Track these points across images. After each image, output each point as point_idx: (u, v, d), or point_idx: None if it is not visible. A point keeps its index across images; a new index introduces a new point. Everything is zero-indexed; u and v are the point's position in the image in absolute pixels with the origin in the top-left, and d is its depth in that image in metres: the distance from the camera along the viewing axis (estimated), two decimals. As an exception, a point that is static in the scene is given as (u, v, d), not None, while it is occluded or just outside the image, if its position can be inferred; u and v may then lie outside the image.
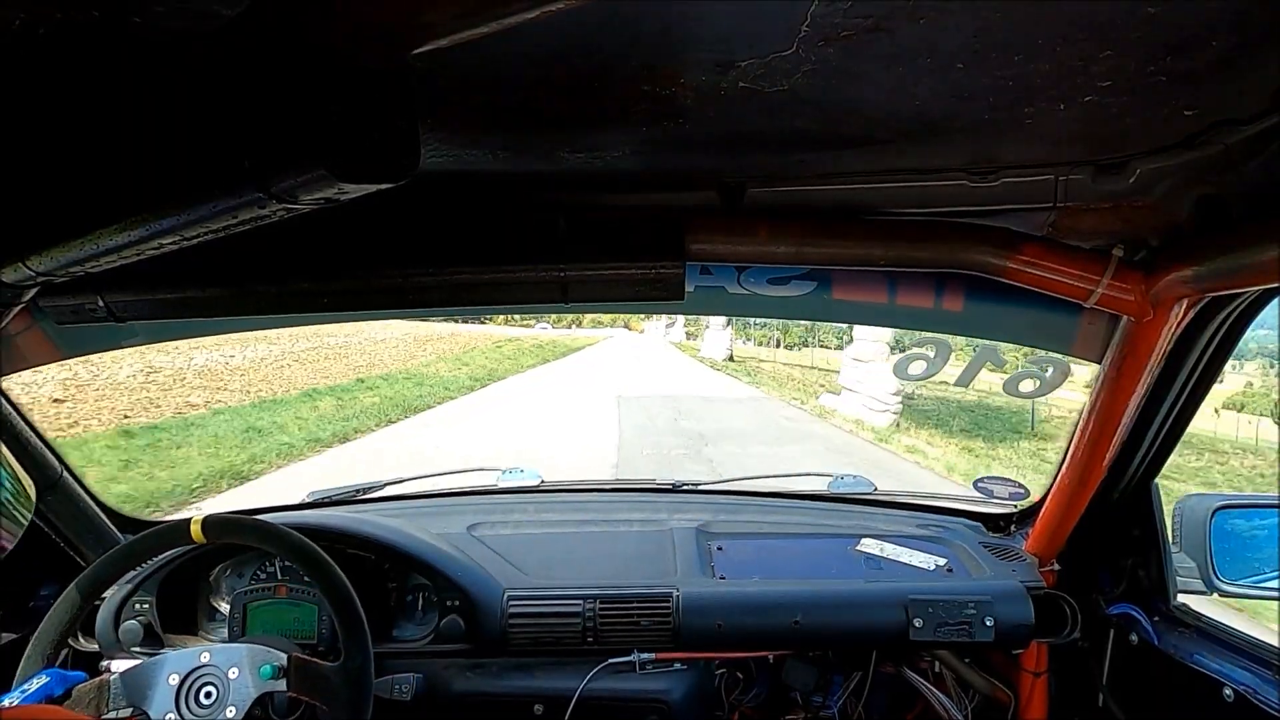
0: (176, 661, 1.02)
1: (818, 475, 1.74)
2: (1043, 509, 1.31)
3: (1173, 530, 1.21)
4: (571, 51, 0.56)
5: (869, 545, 1.42)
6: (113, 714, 0.98)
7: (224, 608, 1.33)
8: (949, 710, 1.38)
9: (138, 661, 1.06)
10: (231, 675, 1.02)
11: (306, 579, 1.25)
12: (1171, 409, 1.08)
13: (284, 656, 1.03)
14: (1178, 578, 1.18)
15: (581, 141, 0.77)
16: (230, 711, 1.00)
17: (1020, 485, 1.50)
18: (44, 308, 0.97)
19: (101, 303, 0.95)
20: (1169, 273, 0.83)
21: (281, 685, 1.01)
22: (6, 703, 0.91)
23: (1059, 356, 1.09)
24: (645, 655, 1.24)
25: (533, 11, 0.37)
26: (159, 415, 8.93)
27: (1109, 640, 1.24)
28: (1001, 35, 0.52)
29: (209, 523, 1.07)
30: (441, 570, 1.28)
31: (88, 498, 1.32)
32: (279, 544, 1.10)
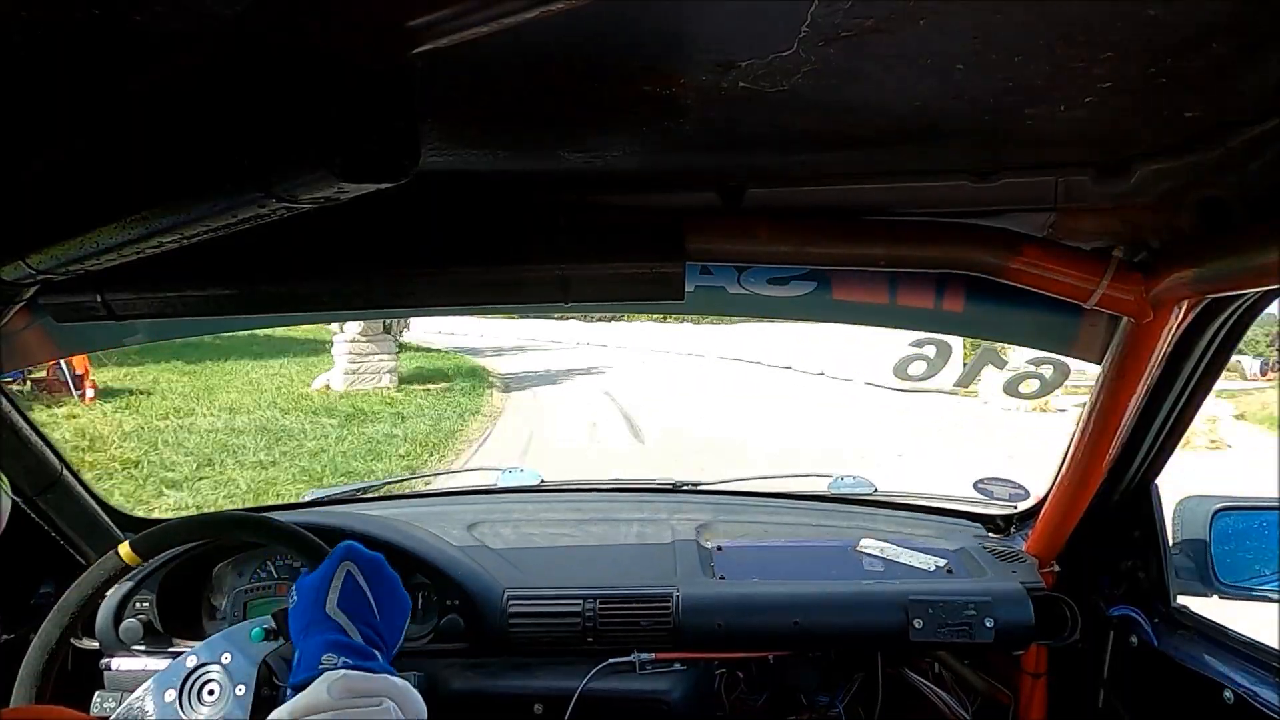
0: (166, 679, 1.02)
1: (818, 476, 1.74)
2: (1043, 510, 1.30)
3: (1173, 532, 1.20)
4: (572, 52, 0.56)
5: (869, 546, 1.42)
6: None
7: (224, 606, 1.33)
8: (952, 709, 1.38)
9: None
10: (225, 660, 1.02)
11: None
12: (1172, 410, 1.08)
13: (268, 618, 1.03)
14: (1177, 579, 1.18)
15: (582, 141, 0.77)
16: (240, 690, 1.00)
17: (1020, 486, 1.50)
18: (43, 305, 0.97)
19: (101, 301, 0.95)
20: (1169, 274, 0.83)
21: (277, 643, 1.01)
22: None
23: (1059, 357, 1.09)
24: (645, 655, 1.24)
25: (532, 11, 0.37)
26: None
27: (1109, 642, 1.24)
28: (1002, 37, 0.52)
29: (138, 543, 1.06)
30: (441, 569, 1.28)
31: (88, 496, 1.32)
32: (215, 528, 1.11)
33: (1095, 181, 0.82)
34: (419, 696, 0.81)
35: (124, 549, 1.04)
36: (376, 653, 0.84)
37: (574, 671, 1.23)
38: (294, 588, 0.90)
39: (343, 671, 0.77)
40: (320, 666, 0.78)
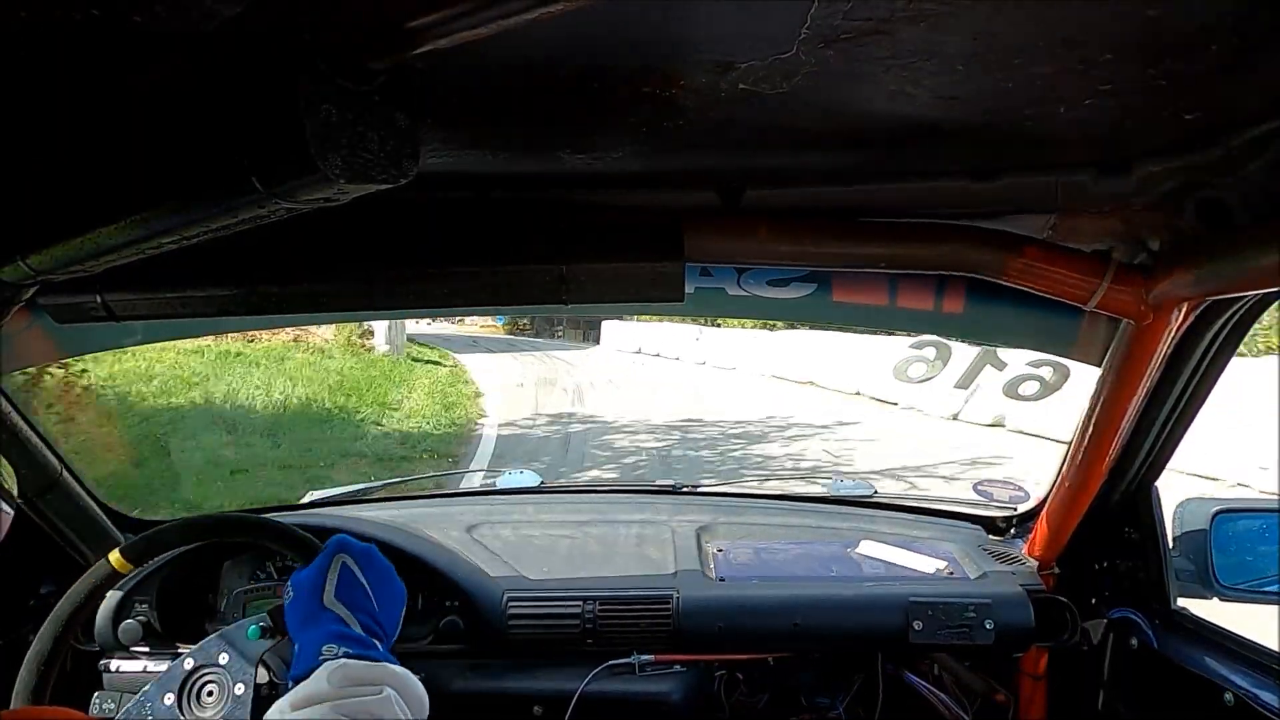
0: (164, 683, 1.01)
1: (818, 478, 1.74)
2: (1042, 512, 1.30)
3: (1173, 534, 1.20)
4: (572, 53, 0.56)
5: (869, 548, 1.42)
6: None
7: (224, 606, 1.33)
8: (952, 711, 1.38)
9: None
10: (222, 660, 1.02)
11: None
12: (1172, 412, 1.08)
13: (264, 615, 1.03)
14: (1177, 581, 1.18)
15: (581, 142, 0.77)
16: (239, 689, 0.99)
17: (1020, 488, 1.50)
18: (43, 306, 0.97)
19: (101, 301, 0.95)
20: (1169, 276, 0.83)
21: (274, 640, 1.01)
22: None
23: (1058, 359, 1.09)
24: (645, 657, 1.24)
25: (533, 13, 0.37)
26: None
27: (1109, 644, 1.24)
28: (1001, 38, 0.52)
29: (128, 549, 1.06)
30: (441, 571, 1.28)
31: (88, 497, 1.32)
32: (206, 531, 1.11)
33: (1095, 183, 0.82)
34: (420, 684, 0.80)
35: (114, 556, 1.04)
36: (377, 642, 0.83)
37: (574, 673, 1.23)
38: (289, 583, 0.90)
39: (343, 660, 0.76)
40: (321, 657, 0.77)
